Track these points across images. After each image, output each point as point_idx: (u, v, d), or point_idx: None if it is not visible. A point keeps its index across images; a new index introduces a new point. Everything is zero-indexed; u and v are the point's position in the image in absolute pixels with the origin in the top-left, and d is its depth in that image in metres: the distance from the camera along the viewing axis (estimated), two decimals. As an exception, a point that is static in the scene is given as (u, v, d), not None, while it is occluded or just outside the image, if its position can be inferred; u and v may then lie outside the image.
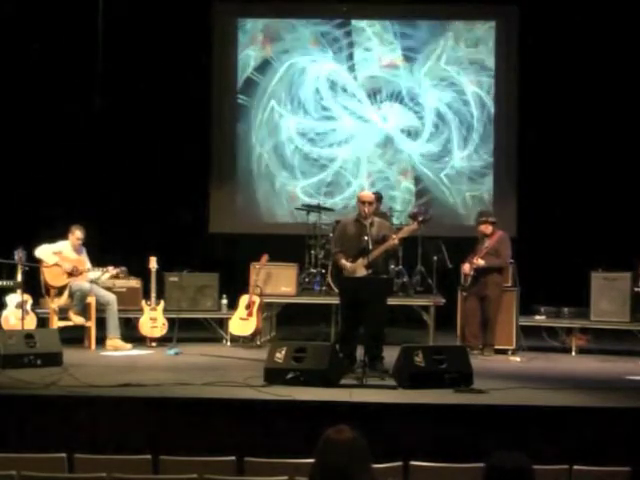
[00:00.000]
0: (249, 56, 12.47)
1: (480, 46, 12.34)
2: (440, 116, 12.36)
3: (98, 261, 9.41)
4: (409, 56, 12.35)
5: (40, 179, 11.32)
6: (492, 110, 12.31)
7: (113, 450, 5.21)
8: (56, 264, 9.10)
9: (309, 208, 10.83)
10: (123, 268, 9.34)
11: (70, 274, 9.13)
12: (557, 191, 11.61)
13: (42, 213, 10.82)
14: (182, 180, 11.68)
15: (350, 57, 12.42)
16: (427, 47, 12.33)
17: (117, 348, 8.97)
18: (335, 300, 9.03)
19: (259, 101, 12.46)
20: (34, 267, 9.04)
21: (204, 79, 12.16)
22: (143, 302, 9.47)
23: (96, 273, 9.28)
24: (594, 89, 11.48)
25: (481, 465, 4.84)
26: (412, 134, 12.38)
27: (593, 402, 6.48)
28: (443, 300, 9.70)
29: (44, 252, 9.13)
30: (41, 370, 7.35)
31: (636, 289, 9.27)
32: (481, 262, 9.01)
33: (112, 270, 9.26)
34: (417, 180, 12.37)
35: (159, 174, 11.64)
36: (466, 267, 9.12)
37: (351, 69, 12.43)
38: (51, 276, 9.12)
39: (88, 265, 9.30)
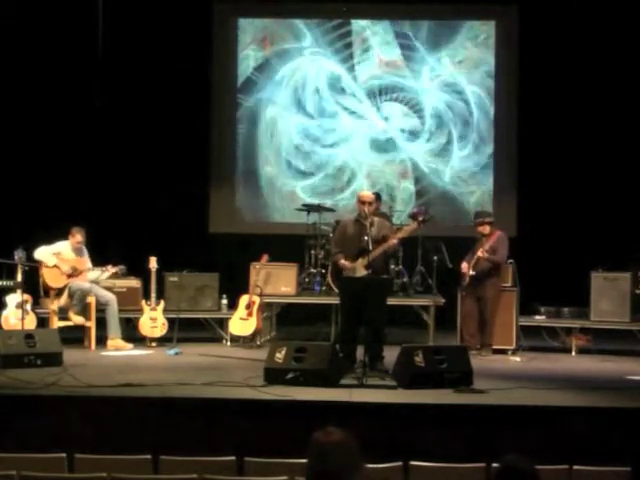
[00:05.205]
0: (249, 56, 12.47)
1: (480, 46, 12.34)
2: (440, 116, 12.35)
3: (98, 261, 9.41)
4: (409, 56, 12.34)
5: (40, 179, 11.33)
6: (492, 110, 12.30)
7: (113, 450, 5.21)
8: (55, 265, 9.11)
9: (309, 208, 10.83)
10: (122, 266, 9.33)
11: (69, 276, 9.14)
12: (557, 191, 11.61)
13: (42, 213, 10.82)
14: (182, 180, 11.67)
15: (350, 57, 12.41)
16: (427, 47, 12.32)
17: (118, 348, 8.98)
18: (335, 300, 9.03)
19: (259, 101, 12.46)
20: (34, 267, 9.04)
21: (204, 79, 12.16)
22: (143, 302, 9.47)
23: (95, 273, 9.29)
24: (594, 89, 11.48)
25: (481, 465, 4.86)
26: (412, 134, 12.38)
27: (593, 402, 6.48)
28: (443, 300, 9.70)
29: (43, 254, 9.12)
30: (41, 370, 7.35)
31: (638, 291, 9.26)
32: (484, 254, 8.96)
33: (111, 269, 9.25)
34: (417, 180, 12.37)
35: (159, 174, 11.63)
36: (464, 266, 9.11)
37: (351, 69, 12.42)
38: (50, 277, 9.12)
39: (89, 265, 9.31)
